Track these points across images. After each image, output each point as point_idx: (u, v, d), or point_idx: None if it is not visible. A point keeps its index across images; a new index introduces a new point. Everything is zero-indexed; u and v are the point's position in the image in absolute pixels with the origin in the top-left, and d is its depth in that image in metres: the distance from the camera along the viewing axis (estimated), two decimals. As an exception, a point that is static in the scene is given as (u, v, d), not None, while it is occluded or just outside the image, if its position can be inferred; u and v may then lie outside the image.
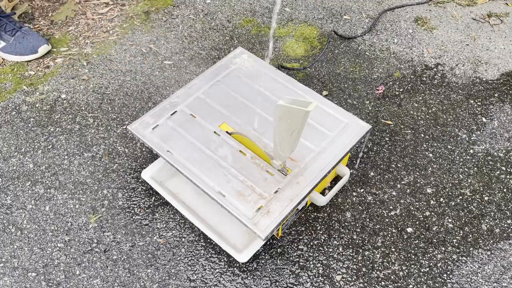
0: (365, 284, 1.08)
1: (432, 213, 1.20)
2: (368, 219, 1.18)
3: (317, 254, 1.12)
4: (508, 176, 1.27)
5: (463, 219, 1.19)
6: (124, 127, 1.35)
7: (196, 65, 1.52)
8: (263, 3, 1.73)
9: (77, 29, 1.61)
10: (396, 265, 1.11)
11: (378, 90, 1.46)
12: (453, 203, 1.22)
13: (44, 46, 1.50)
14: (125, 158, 1.29)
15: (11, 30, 1.47)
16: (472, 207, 1.21)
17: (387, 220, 1.18)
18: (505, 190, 1.25)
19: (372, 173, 1.27)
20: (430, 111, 1.42)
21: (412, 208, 1.21)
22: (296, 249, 1.13)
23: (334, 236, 1.15)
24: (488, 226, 1.18)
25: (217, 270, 1.09)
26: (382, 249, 1.13)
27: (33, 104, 1.41)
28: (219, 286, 1.07)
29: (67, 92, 1.43)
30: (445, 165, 1.29)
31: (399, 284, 1.08)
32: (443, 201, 1.22)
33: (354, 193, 1.23)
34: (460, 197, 1.23)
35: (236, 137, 1.10)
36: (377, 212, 1.20)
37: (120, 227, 1.16)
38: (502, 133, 1.37)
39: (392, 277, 1.09)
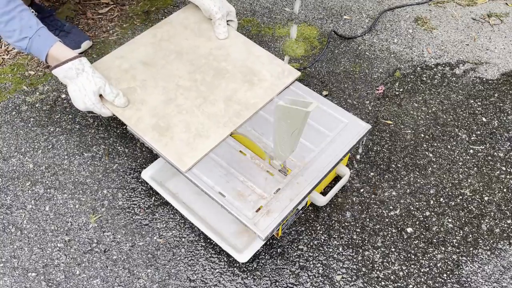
0: (365, 284, 1.08)
1: (432, 213, 1.20)
2: (368, 219, 1.18)
3: (317, 254, 1.12)
4: (508, 176, 1.27)
5: (463, 219, 1.19)
6: (124, 127, 1.35)
7: (196, 65, 1.51)
8: (263, 3, 1.73)
9: (77, 29, 1.60)
10: (396, 265, 1.11)
11: (378, 90, 1.46)
12: (453, 203, 1.22)
13: (86, 41, 1.52)
14: (125, 158, 1.29)
15: (53, 31, 1.47)
16: (472, 207, 1.21)
17: (387, 220, 1.18)
18: (505, 190, 1.25)
19: (372, 173, 1.27)
20: (430, 111, 1.42)
21: (412, 208, 1.21)
22: (296, 249, 1.13)
23: (334, 236, 1.15)
24: (488, 226, 1.18)
25: (217, 270, 1.09)
26: (382, 249, 1.13)
27: (33, 104, 1.41)
28: (219, 286, 1.07)
29: (67, 92, 1.42)
30: (445, 165, 1.29)
31: (399, 284, 1.08)
32: (443, 201, 1.22)
33: (354, 193, 1.23)
34: (460, 197, 1.23)
35: (236, 137, 1.10)
36: (377, 212, 1.20)
37: (120, 227, 1.16)
38: (502, 133, 1.37)
39: (392, 277, 1.09)
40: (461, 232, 1.17)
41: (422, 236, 1.16)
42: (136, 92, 1.14)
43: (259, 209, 0.98)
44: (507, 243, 1.15)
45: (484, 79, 1.51)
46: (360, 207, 1.20)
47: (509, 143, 1.35)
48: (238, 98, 1.14)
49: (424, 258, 1.12)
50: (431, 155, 1.32)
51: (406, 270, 1.10)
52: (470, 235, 1.16)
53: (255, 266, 1.10)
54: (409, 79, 1.50)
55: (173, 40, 1.26)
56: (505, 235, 1.16)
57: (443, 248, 1.14)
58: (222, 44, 1.25)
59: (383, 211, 1.20)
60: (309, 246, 1.13)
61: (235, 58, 1.22)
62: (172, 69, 1.19)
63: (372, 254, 1.12)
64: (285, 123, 0.86)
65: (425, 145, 1.33)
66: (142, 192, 1.22)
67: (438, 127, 1.38)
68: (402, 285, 1.08)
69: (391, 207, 1.21)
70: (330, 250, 1.13)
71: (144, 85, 1.16)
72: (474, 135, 1.36)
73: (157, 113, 1.11)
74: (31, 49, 1.09)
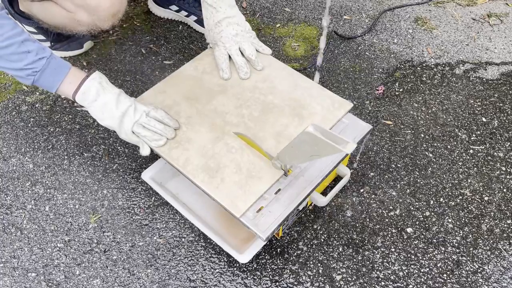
0: (365, 284, 1.08)
1: (432, 213, 1.20)
2: (368, 219, 1.18)
3: (317, 254, 1.12)
4: (508, 176, 1.28)
5: (463, 219, 1.19)
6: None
7: (196, 65, 1.51)
8: (263, 3, 1.73)
9: (77, 29, 1.60)
10: (396, 265, 1.11)
11: (378, 90, 1.46)
12: (453, 203, 1.22)
13: (89, 42, 1.53)
14: (125, 158, 1.29)
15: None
16: (472, 207, 1.21)
17: (387, 220, 1.18)
18: (505, 190, 1.25)
19: (372, 173, 1.27)
20: (430, 111, 1.42)
21: (412, 208, 1.21)
22: (296, 249, 1.13)
23: (334, 236, 1.15)
24: (488, 226, 1.18)
25: (217, 270, 1.09)
26: (382, 249, 1.13)
27: (33, 104, 1.41)
28: (219, 286, 1.07)
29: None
30: (445, 165, 1.29)
31: (399, 284, 1.08)
32: (443, 201, 1.22)
33: (354, 193, 1.23)
34: (460, 197, 1.23)
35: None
36: (377, 212, 1.20)
37: (120, 227, 1.16)
38: (502, 133, 1.37)
39: (392, 277, 1.09)
40: (461, 232, 1.17)
41: (422, 236, 1.16)
42: (182, 129, 1.08)
43: (260, 209, 0.98)
44: (507, 243, 1.15)
45: (484, 79, 1.51)
46: (360, 207, 1.20)
47: (509, 143, 1.35)
48: (289, 133, 1.07)
49: (424, 258, 1.12)
50: (431, 155, 1.32)
51: (406, 270, 1.10)
52: (470, 235, 1.16)
53: (255, 266, 1.10)
54: (409, 79, 1.50)
55: (215, 73, 1.18)
56: (505, 235, 1.16)
57: (443, 248, 1.14)
58: (266, 76, 1.18)
59: (383, 211, 1.20)
60: (309, 246, 1.13)
61: (282, 90, 1.15)
62: (217, 104, 1.12)
63: (372, 254, 1.12)
64: (310, 148, 0.82)
65: (425, 145, 1.34)
66: (142, 192, 1.22)
67: (438, 127, 1.38)
68: (402, 285, 1.08)
69: (391, 207, 1.21)
70: (330, 250, 1.13)
71: (189, 122, 1.09)
72: (474, 135, 1.36)
73: (206, 153, 1.04)
74: (46, 70, 0.98)
